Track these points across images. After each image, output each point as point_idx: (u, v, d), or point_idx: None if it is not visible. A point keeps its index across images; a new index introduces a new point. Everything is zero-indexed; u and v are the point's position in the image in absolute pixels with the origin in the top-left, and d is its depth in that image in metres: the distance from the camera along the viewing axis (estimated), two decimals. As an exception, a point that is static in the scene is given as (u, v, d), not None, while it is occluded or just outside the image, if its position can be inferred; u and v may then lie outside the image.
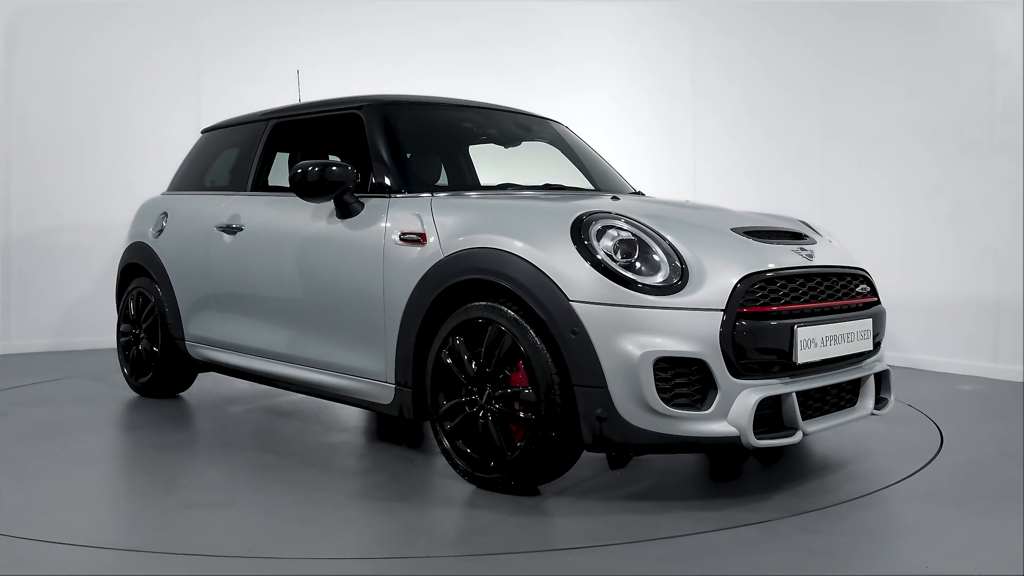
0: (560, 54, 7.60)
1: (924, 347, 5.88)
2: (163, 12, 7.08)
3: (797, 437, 2.93)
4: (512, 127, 4.37)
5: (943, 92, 5.78)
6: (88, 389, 5.21)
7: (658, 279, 2.84)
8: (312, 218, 3.74)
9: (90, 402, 4.83)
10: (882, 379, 3.40)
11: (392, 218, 3.44)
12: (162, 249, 4.70)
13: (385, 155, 3.65)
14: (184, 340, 4.56)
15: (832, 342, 3.07)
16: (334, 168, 3.50)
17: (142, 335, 4.81)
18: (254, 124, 4.48)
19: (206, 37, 7.19)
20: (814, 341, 2.99)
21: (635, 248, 2.90)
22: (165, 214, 4.78)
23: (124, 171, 6.90)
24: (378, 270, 3.42)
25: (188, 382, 4.90)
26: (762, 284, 2.93)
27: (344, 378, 3.61)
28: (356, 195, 3.59)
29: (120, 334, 5.01)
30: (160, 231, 4.76)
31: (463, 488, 3.17)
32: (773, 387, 2.89)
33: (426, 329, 3.27)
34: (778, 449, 3.61)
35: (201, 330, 4.45)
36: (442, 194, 3.57)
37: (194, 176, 4.85)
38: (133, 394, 4.95)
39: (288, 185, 3.70)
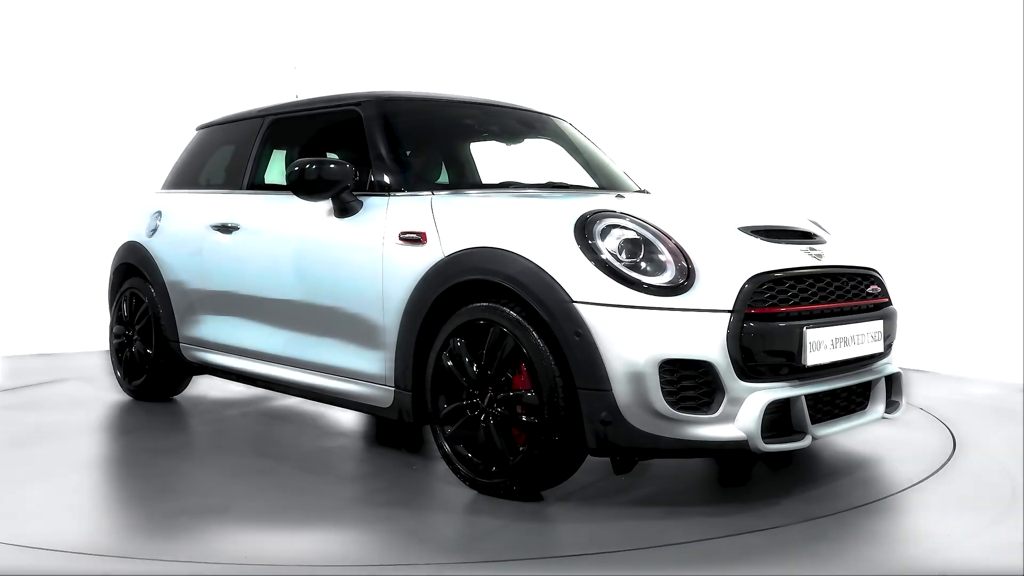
0: (565, 49, 7.51)
1: (935, 349, 5.81)
2: (157, 6, 7.00)
3: (806, 441, 2.87)
4: (514, 123, 4.30)
5: (958, 85, 5.67)
6: (81, 392, 5.14)
7: (664, 279, 2.78)
8: (309, 217, 3.67)
9: (83, 405, 4.76)
10: (893, 382, 3.34)
11: (391, 217, 3.37)
12: (155, 249, 4.64)
13: (384, 152, 3.58)
14: (178, 342, 4.48)
15: (842, 344, 3.02)
16: (332, 166, 3.44)
17: (135, 337, 4.74)
18: (250, 121, 4.42)
19: (201, 31, 7.11)
20: (824, 343, 2.93)
21: (640, 248, 2.84)
22: (159, 213, 4.71)
23: (116, 168, 6.83)
24: (377, 270, 3.35)
25: (182, 385, 4.83)
26: (770, 284, 2.86)
27: (342, 381, 3.54)
28: (355, 194, 3.52)
29: (113, 336, 4.94)
30: (154, 231, 4.69)
31: (464, 493, 3.12)
32: (782, 390, 2.82)
33: (426, 331, 3.20)
34: (787, 453, 3.54)
35: (196, 332, 4.38)
36: (443, 192, 3.51)
37: (189, 174, 4.79)
38: (126, 397, 4.88)
39: (285, 183, 3.64)
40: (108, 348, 5.05)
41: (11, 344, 6.57)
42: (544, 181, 3.85)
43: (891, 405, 3.31)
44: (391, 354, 3.31)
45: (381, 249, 3.35)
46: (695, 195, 6.47)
